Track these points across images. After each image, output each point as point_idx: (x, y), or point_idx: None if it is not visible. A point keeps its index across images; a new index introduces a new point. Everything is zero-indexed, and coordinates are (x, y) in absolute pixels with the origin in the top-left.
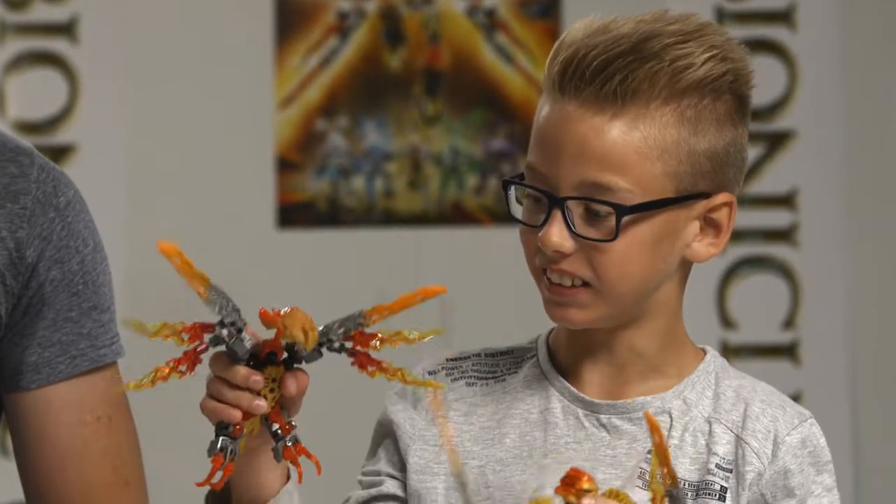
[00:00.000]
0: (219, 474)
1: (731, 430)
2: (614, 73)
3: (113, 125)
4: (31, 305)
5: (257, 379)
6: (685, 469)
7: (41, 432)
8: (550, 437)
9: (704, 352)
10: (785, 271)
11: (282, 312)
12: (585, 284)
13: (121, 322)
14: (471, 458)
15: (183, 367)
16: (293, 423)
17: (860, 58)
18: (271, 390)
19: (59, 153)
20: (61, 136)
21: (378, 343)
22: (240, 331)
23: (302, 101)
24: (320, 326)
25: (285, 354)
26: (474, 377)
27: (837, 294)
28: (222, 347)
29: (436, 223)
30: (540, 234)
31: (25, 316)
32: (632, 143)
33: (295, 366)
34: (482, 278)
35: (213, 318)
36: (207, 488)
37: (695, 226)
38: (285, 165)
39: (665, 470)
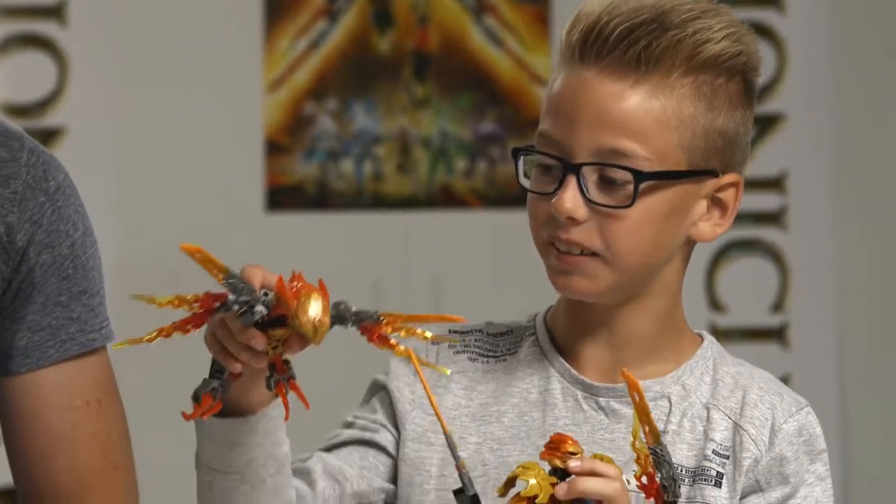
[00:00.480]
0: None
1: (729, 417)
2: (638, 39)
3: (102, 108)
4: (21, 290)
5: (258, 342)
6: (682, 455)
7: (31, 416)
8: (549, 417)
9: (702, 337)
10: (774, 254)
11: (302, 295)
12: (594, 255)
13: (128, 298)
14: (468, 435)
15: (188, 326)
16: (290, 362)
17: (849, 41)
18: (274, 347)
19: (48, 136)
20: (50, 119)
21: (390, 331)
22: (252, 307)
23: (291, 84)
24: (333, 310)
25: None
26: (476, 353)
27: (826, 277)
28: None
29: (425, 206)
30: (553, 201)
31: (15, 300)
32: (651, 111)
33: None
34: (471, 261)
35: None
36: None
37: (702, 204)
38: (274, 148)
39: (647, 428)
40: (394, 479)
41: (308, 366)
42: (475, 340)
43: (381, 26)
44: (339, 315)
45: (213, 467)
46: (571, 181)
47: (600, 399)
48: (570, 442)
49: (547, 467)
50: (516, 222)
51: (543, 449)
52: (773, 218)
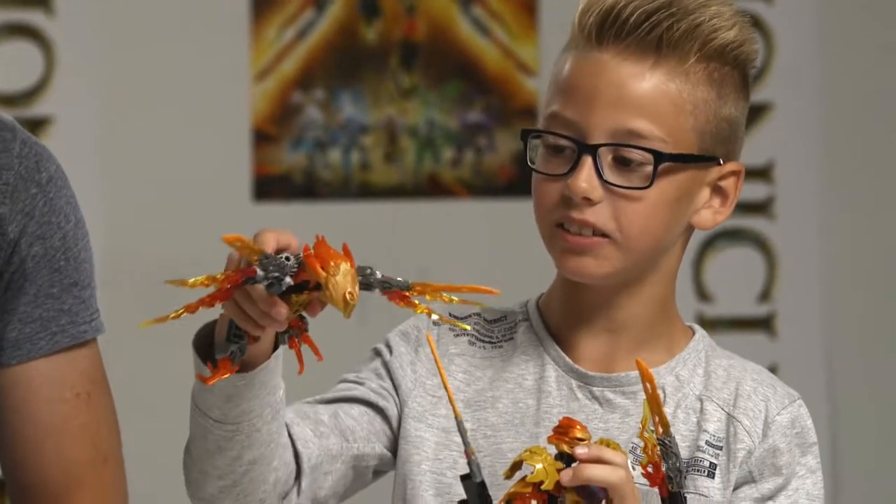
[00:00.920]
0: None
1: (723, 409)
2: (659, 22)
3: (89, 98)
4: (13, 281)
5: (280, 311)
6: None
7: (21, 408)
8: (543, 405)
9: (692, 330)
10: (761, 244)
11: (330, 266)
12: (604, 237)
13: (164, 284)
14: (465, 421)
15: (215, 301)
16: (305, 317)
17: (837, 30)
18: (295, 311)
19: (35, 125)
20: (37, 109)
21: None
22: (280, 280)
23: (278, 73)
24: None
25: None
26: (475, 336)
27: (813, 267)
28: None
29: (412, 196)
30: (569, 181)
31: (7, 292)
32: (669, 93)
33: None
34: (458, 250)
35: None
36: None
37: (706, 191)
38: (261, 138)
39: (657, 418)
40: (392, 448)
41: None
42: (475, 324)
43: (369, 16)
44: (366, 283)
45: (209, 415)
46: (587, 162)
47: (594, 389)
48: (578, 427)
49: (554, 451)
50: (503, 212)
51: (552, 433)
52: (760, 208)
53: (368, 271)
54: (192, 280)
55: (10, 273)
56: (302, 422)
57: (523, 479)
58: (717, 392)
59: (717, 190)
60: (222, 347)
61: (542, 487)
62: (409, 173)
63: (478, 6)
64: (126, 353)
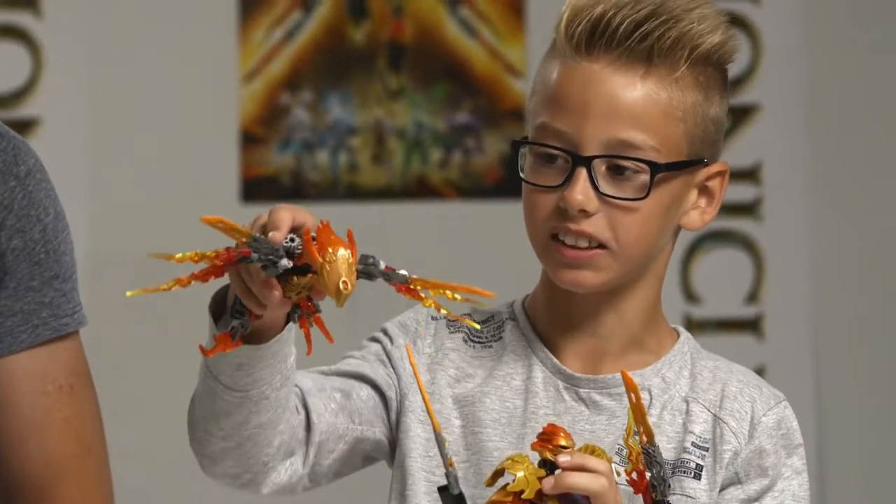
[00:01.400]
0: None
1: (709, 410)
2: (650, 31)
3: (77, 99)
4: None
5: (273, 295)
6: (662, 448)
7: (3, 402)
8: (530, 405)
9: (678, 332)
10: (749, 245)
11: (328, 253)
12: (600, 247)
13: (147, 258)
14: (454, 418)
15: (208, 277)
16: (316, 302)
17: (824, 32)
18: (298, 293)
19: (23, 127)
20: (25, 110)
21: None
22: (275, 263)
23: (266, 75)
24: (360, 266)
25: None
26: (467, 335)
27: (801, 268)
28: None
29: (400, 197)
30: (565, 194)
31: None
32: (660, 102)
33: None
34: (446, 252)
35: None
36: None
37: (693, 193)
38: (249, 139)
39: (641, 428)
40: (388, 437)
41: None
42: (463, 325)
43: (356, 17)
44: (366, 272)
45: (219, 380)
46: (582, 173)
47: (581, 390)
48: (562, 434)
49: (537, 458)
50: (492, 213)
51: (535, 439)
52: (747, 209)
53: (371, 260)
54: (178, 255)
55: None
56: (318, 394)
57: (504, 487)
58: (703, 393)
59: (704, 190)
60: (224, 322)
61: (523, 496)
62: (396, 175)
63: (465, 7)
64: (109, 345)
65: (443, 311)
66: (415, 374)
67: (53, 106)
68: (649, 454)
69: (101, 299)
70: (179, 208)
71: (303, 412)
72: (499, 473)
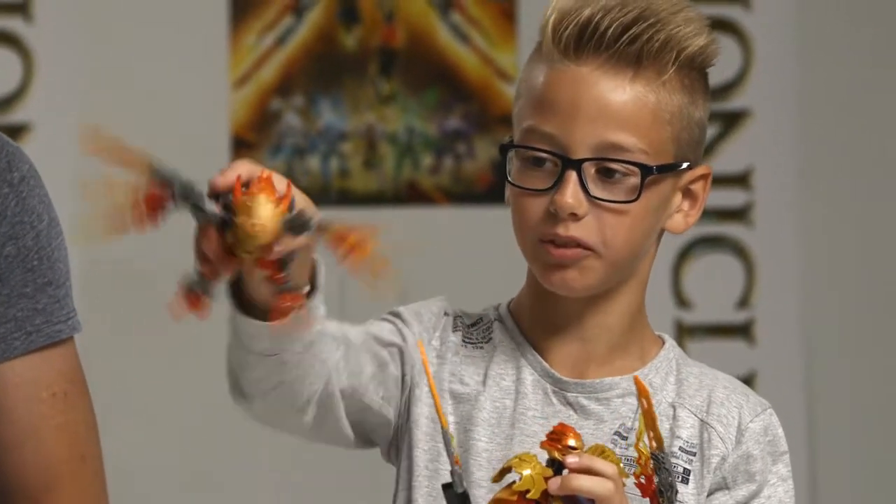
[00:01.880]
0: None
1: (696, 415)
2: (638, 34)
3: (67, 105)
4: None
5: (208, 243)
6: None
7: None
8: (519, 406)
9: (662, 339)
10: (740, 251)
11: (252, 194)
12: (587, 250)
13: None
14: (449, 414)
15: (141, 221)
16: (287, 270)
17: (815, 36)
18: (249, 252)
19: (14, 132)
20: (15, 116)
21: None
22: (196, 206)
23: (257, 80)
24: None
25: None
26: (463, 335)
27: (792, 273)
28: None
29: (391, 203)
30: (555, 197)
31: None
32: (648, 104)
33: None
34: (437, 257)
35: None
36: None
37: (678, 196)
38: (240, 145)
39: (652, 433)
40: (396, 419)
41: None
42: (461, 323)
43: (347, 22)
44: (293, 223)
45: (241, 339)
46: (572, 177)
47: (569, 395)
48: (571, 435)
49: (546, 457)
50: (483, 218)
51: (545, 438)
52: (738, 214)
53: (306, 216)
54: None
55: None
56: (360, 353)
57: (510, 485)
58: (690, 399)
59: (688, 193)
60: (182, 281)
61: (529, 496)
62: (388, 180)
63: (457, 13)
64: (104, 352)
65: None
66: (426, 370)
67: (44, 111)
68: (658, 460)
69: (91, 304)
70: (171, 214)
71: (342, 364)
72: (506, 471)
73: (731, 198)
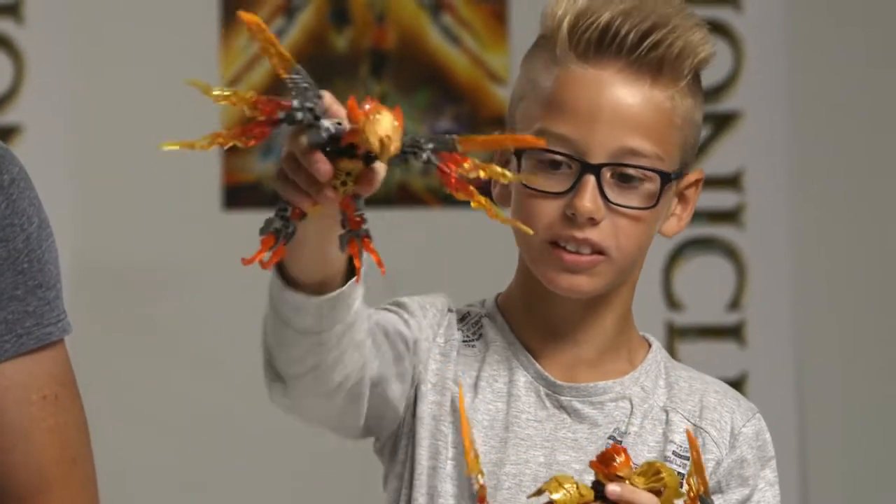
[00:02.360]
0: (268, 255)
1: (689, 420)
2: (658, 41)
3: (58, 106)
4: None
5: (326, 170)
6: (643, 457)
7: None
8: (513, 409)
9: (648, 340)
10: (731, 252)
11: (369, 112)
12: (599, 254)
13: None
14: (448, 416)
15: (247, 137)
16: (364, 216)
17: (806, 38)
18: (343, 183)
19: (4, 134)
20: (6, 117)
21: (469, 167)
22: (318, 118)
23: (248, 82)
24: (406, 137)
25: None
26: (461, 331)
27: (783, 275)
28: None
29: (382, 204)
30: (574, 201)
31: None
32: (665, 110)
33: (375, 164)
34: (428, 260)
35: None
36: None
37: (674, 200)
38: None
39: (700, 479)
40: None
41: None
42: (452, 326)
43: (339, 24)
44: (412, 142)
45: (283, 315)
46: (590, 181)
47: (562, 398)
48: (619, 462)
49: (592, 478)
50: (473, 221)
51: (595, 458)
52: (729, 216)
53: (410, 138)
54: (216, 91)
55: None
56: (390, 339)
57: None
58: (682, 404)
59: (681, 197)
60: (266, 224)
61: None
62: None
63: (448, 15)
64: (95, 355)
65: (495, 214)
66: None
67: (35, 113)
68: (704, 501)
69: (84, 306)
70: (162, 215)
71: (373, 352)
72: (541, 492)
73: (722, 199)
